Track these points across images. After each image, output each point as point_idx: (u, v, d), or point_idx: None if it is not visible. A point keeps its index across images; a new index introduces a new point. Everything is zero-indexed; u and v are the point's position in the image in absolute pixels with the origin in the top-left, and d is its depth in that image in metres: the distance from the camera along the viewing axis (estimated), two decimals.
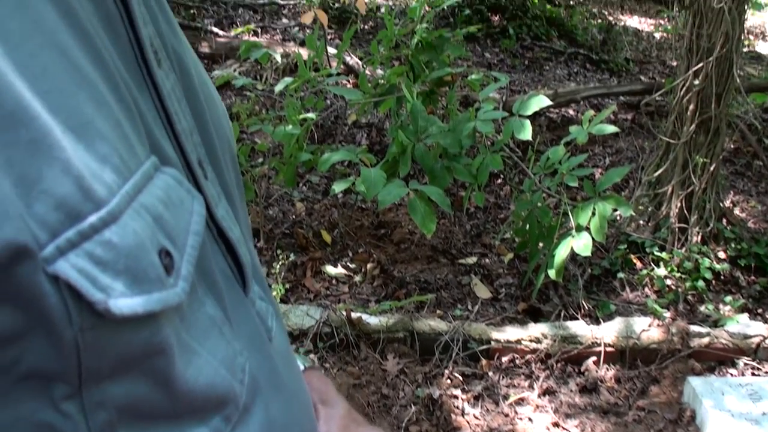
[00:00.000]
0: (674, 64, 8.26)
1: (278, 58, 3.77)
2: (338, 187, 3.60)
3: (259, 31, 7.41)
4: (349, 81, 6.19)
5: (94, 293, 0.37)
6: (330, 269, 4.08)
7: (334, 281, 4.03)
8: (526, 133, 3.54)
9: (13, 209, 0.34)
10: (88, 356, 0.38)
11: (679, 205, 4.44)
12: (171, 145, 0.51)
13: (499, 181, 5.36)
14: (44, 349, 0.37)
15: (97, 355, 0.39)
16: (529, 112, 3.60)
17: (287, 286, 3.83)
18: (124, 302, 0.39)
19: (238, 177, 0.67)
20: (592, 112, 4.08)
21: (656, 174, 4.61)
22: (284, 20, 8.02)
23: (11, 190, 0.34)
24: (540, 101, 3.62)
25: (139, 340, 0.41)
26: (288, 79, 3.71)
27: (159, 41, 0.54)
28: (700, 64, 4.28)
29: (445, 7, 7.67)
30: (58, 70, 0.39)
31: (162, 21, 0.57)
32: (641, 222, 4.66)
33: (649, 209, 4.67)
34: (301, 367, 0.75)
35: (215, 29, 7.01)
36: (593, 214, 3.46)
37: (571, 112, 6.62)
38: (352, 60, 6.42)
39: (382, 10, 8.57)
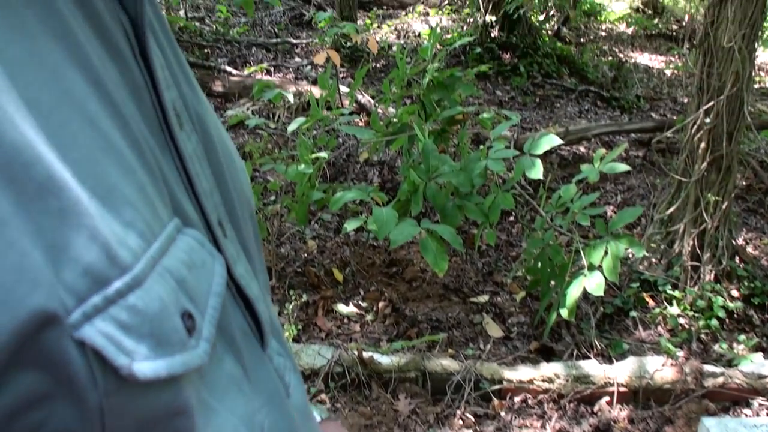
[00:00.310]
0: (685, 101, 8.28)
1: (290, 98, 3.80)
2: (350, 226, 3.61)
3: (272, 69, 7.48)
4: (361, 119, 6.23)
5: (119, 357, 0.38)
6: (342, 308, 4.08)
7: (345, 320, 4.03)
8: (537, 173, 3.54)
9: (43, 277, 0.35)
10: (112, 419, 0.39)
11: (691, 243, 4.43)
12: (192, 206, 0.52)
13: (511, 218, 5.36)
14: (69, 413, 0.37)
15: (120, 417, 0.40)
16: (540, 152, 3.61)
17: (299, 326, 3.83)
18: (148, 365, 0.40)
19: (256, 231, 0.68)
20: (603, 151, 4.09)
21: (668, 212, 4.61)
22: (297, 59, 8.09)
23: (41, 258, 0.35)
24: (551, 140, 3.63)
25: (161, 402, 0.42)
26: (300, 119, 3.74)
27: (181, 103, 0.55)
28: (711, 103, 4.30)
29: (457, 46, 7.74)
30: (87, 138, 0.40)
31: (184, 84, 0.59)
32: (654, 260, 4.65)
33: (662, 247, 4.66)
34: (318, 419, 0.75)
35: (228, 68, 7.08)
36: (605, 253, 3.46)
37: (582, 149, 6.64)
38: (364, 98, 6.47)
39: (394, 48, 8.65)
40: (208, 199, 0.55)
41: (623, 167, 3.79)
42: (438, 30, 4.94)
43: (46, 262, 0.35)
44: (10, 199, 0.34)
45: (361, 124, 6.09)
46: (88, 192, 0.38)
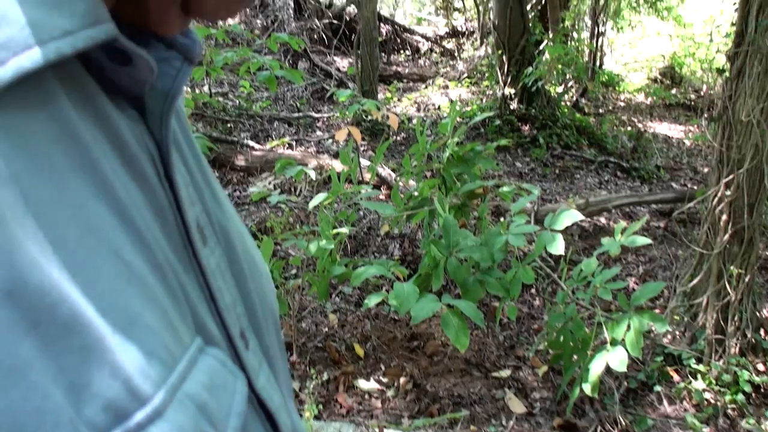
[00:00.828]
0: (705, 170, 8.30)
1: (312, 174, 3.85)
2: (371, 301, 3.61)
3: (294, 143, 7.58)
4: (381, 191, 6.28)
5: None
6: (362, 384, 4.06)
7: (366, 396, 4.00)
8: (558, 247, 3.54)
9: (64, 416, 0.36)
10: None
11: (715, 316, 4.39)
12: (214, 322, 0.53)
13: (532, 290, 5.34)
14: None
15: None
16: (561, 227, 3.62)
17: (320, 405, 3.81)
18: None
19: (279, 337, 0.70)
20: (624, 223, 4.09)
21: (691, 284, 4.58)
22: (318, 132, 8.20)
23: (63, 397, 0.36)
24: (571, 216, 3.64)
25: None
26: (322, 195, 3.78)
27: (205, 218, 0.57)
28: (731, 176, 4.30)
29: (477, 121, 7.82)
30: (110, 269, 0.42)
31: (208, 195, 0.61)
32: (677, 333, 4.60)
33: (685, 320, 4.62)
34: None
35: (251, 142, 7.18)
36: (628, 328, 3.43)
37: (603, 220, 6.64)
38: (385, 171, 6.52)
39: (414, 121, 8.75)
40: (231, 312, 0.57)
41: (644, 240, 3.79)
42: (457, 102, 5.00)
43: (67, 401, 0.36)
44: (34, 342, 0.35)
45: (381, 196, 6.14)
46: (111, 325, 0.39)
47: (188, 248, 0.54)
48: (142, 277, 0.44)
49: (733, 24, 4.42)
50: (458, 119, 4.61)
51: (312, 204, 3.76)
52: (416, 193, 4.37)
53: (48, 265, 0.37)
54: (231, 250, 0.61)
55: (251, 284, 0.63)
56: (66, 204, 0.40)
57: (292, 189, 6.25)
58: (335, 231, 3.77)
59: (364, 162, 5.99)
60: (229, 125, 7.81)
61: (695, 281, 4.56)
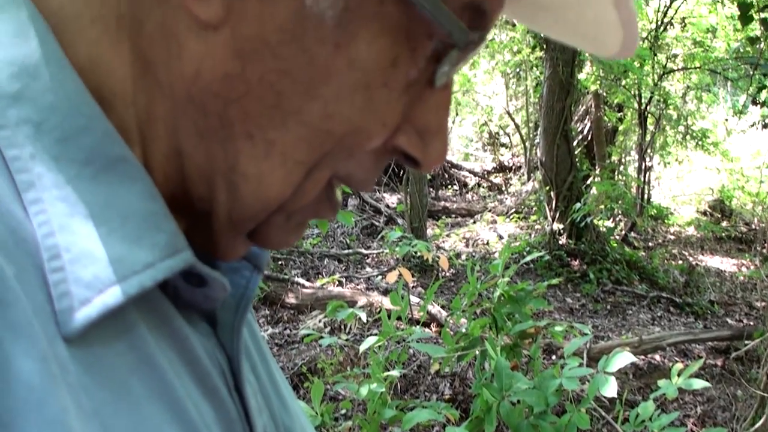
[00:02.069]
0: (761, 304, 8.15)
1: (363, 316, 3.89)
2: None
3: (344, 280, 7.64)
4: (431, 329, 6.26)
5: None
6: None
7: None
8: (612, 390, 3.49)
9: None
10: None
11: None
12: None
13: None
14: None
15: None
16: (614, 369, 3.57)
17: None
18: None
19: None
20: (680, 365, 4.02)
21: (753, 429, 4.44)
22: (368, 269, 8.27)
23: None
24: (625, 358, 3.60)
25: None
26: (372, 339, 3.80)
27: (272, 424, 0.60)
28: None
29: (527, 260, 7.84)
30: None
31: (274, 398, 0.64)
32: None
33: None
34: None
35: (301, 280, 7.26)
36: None
37: (657, 358, 6.51)
38: (434, 308, 6.52)
39: (463, 257, 8.80)
40: None
41: (701, 383, 3.71)
42: (508, 246, 5.05)
43: None
44: None
45: (431, 333, 6.12)
46: None
47: None
48: None
49: None
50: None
51: (363, 347, 3.78)
52: (466, 332, 4.36)
53: None
54: None
55: None
56: None
57: (343, 326, 6.26)
58: (386, 374, 3.76)
59: (414, 299, 6.01)
60: (280, 263, 7.93)
61: (758, 425, 4.42)
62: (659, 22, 10.64)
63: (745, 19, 5.59)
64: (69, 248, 0.40)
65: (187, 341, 0.49)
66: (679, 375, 3.72)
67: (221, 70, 0.45)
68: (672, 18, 11.16)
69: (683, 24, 12.08)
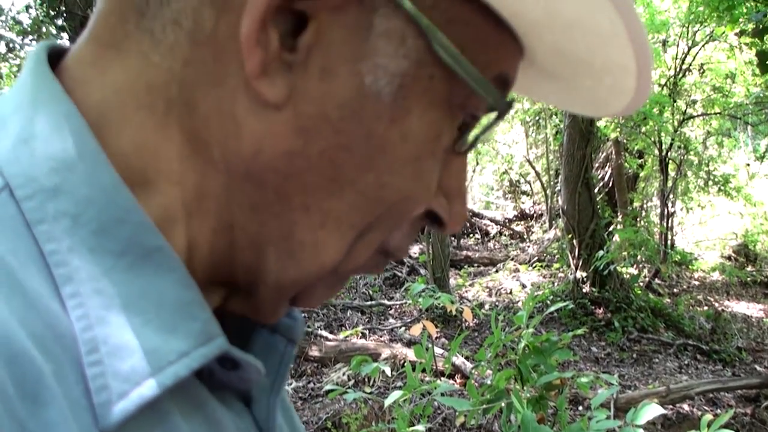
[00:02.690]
0: None
1: (387, 371, 3.88)
2: None
3: (367, 332, 7.62)
4: (456, 380, 6.22)
5: None
6: None
7: None
8: None
9: None
10: None
11: None
12: None
13: None
14: None
15: None
16: (642, 422, 3.53)
17: None
18: None
19: None
20: (710, 416, 3.96)
21: None
22: (391, 320, 8.25)
23: None
24: (653, 410, 3.55)
25: None
26: (397, 393, 3.79)
27: None
28: None
29: (552, 311, 7.80)
30: None
31: None
32: None
33: None
34: None
35: (324, 332, 7.25)
36: None
37: (686, 407, 6.42)
38: (459, 360, 6.49)
39: (486, 307, 8.77)
40: None
41: None
42: (531, 295, 5.03)
43: None
44: None
45: (456, 384, 6.08)
46: None
47: None
48: None
49: None
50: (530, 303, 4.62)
51: (388, 401, 3.77)
52: (490, 381, 4.33)
53: None
54: None
55: None
56: None
57: (367, 379, 6.24)
58: (411, 429, 3.73)
59: (438, 350, 5.98)
60: (303, 315, 7.91)
61: None
62: (678, 69, 10.69)
63: (764, 67, 5.61)
64: (106, 341, 0.42)
65: (221, 425, 0.50)
66: (708, 426, 3.66)
67: (282, 148, 0.47)
68: (690, 64, 11.20)
69: (702, 70, 12.13)
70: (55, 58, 0.50)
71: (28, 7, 8.18)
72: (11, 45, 7.83)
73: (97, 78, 0.48)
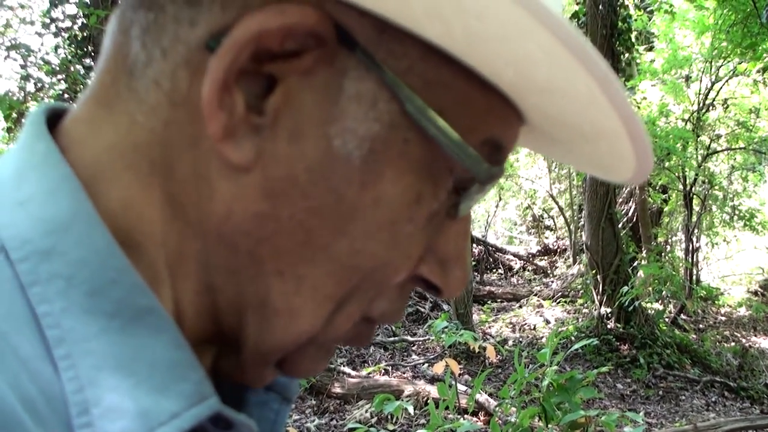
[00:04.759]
0: None
1: (411, 409, 3.86)
2: None
3: (390, 369, 7.59)
4: (479, 418, 6.18)
5: None
6: None
7: None
8: None
9: None
10: None
11: None
12: None
13: None
14: None
15: None
16: None
17: None
18: None
19: None
20: None
21: None
22: (414, 356, 8.22)
23: None
24: None
25: None
26: (420, 431, 3.78)
27: None
28: None
29: (576, 348, 7.74)
30: None
31: None
32: None
33: None
34: None
35: (347, 369, 7.22)
36: None
37: None
38: (482, 397, 6.44)
39: (510, 343, 8.72)
40: None
41: None
42: (555, 332, 5.01)
43: None
44: None
45: (479, 422, 6.03)
46: None
47: None
48: None
49: None
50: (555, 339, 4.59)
51: None
52: (514, 419, 4.29)
53: None
54: None
55: None
56: None
57: (390, 416, 6.20)
58: None
59: (461, 387, 5.95)
60: None
61: None
62: (701, 104, 10.67)
63: None
64: (98, 403, 0.42)
65: None
66: None
67: (252, 210, 0.47)
68: (714, 99, 11.18)
69: (726, 105, 12.09)
70: (57, 118, 0.51)
71: (57, 48, 8.31)
72: (39, 84, 7.93)
73: (91, 137, 0.48)
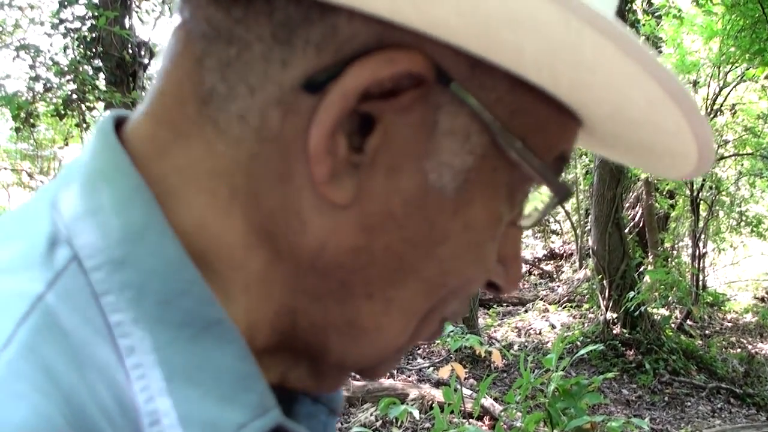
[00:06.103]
0: None
1: (416, 414, 3.86)
2: None
3: (395, 372, 7.58)
4: (484, 422, 6.17)
5: None
6: None
7: None
8: None
9: None
10: None
11: None
12: None
13: None
14: None
15: None
16: None
17: None
18: None
19: None
20: None
21: None
22: (419, 360, 8.21)
23: None
24: None
25: None
26: None
27: None
28: None
29: (582, 353, 7.73)
30: None
31: None
32: None
33: None
34: None
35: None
36: None
37: None
38: (487, 401, 6.44)
39: (515, 347, 8.71)
40: None
41: None
42: (561, 337, 5.00)
43: None
44: None
45: (484, 426, 6.02)
46: None
47: None
48: None
49: None
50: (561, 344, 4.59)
51: None
52: (520, 424, 4.29)
53: None
54: None
55: None
56: None
57: (395, 420, 6.20)
58: None
59: (466, 391, 5.94)
60: None
61: None
62: (709, 109, 10.65)
63: None
64: (168, 413, 0.43)
65: None
66: None
67: (348, 244, 0.47)
68: (722, 105, 11.16)
69: (733, 110, 12.07)
70: (118, 126, 0.51)
71: (65, 48, 8.33)
72: (48, 85, 7.96)
73: (156, 155, 0.49)
